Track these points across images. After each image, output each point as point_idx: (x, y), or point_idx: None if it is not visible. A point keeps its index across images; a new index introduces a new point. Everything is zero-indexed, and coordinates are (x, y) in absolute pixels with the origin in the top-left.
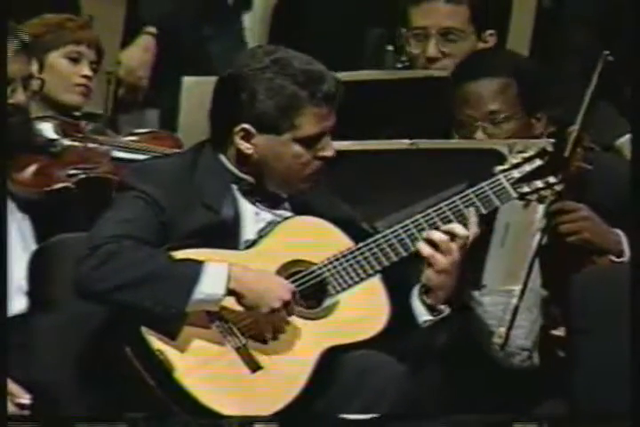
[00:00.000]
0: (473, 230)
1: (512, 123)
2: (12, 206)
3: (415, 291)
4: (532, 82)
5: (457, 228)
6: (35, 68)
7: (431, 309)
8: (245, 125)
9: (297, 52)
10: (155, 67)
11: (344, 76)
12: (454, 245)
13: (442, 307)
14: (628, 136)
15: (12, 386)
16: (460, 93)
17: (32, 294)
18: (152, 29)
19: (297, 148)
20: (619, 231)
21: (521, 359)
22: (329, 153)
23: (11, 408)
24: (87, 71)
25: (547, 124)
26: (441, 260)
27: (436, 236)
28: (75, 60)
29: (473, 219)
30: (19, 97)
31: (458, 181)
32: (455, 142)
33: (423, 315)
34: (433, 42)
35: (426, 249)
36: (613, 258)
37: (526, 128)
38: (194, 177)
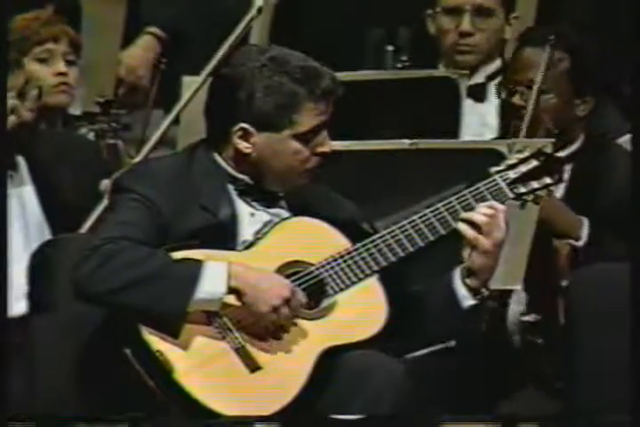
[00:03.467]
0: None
1: (553, 97)
2: (24, 208)
3: (456, 275)
4: (587, 63)
5: (494, 205)
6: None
7: (475, 292)
8: (244, 125)
9: (291, 50)
10: (155, 66)
11: (344, 76)
12: (495, 226)
13: (483, 290)
14: (627, 136)
15: None
16: (514, 57)
17: (32, 294)
18: (153, 29)
19: (296, 144)
20: (582, 218)
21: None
22: (327, 149)
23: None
24: (61, 68)
25: (591, 110)
26: (485, 241)
27: (477, 217)
28: (44, 60)
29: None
30: (23, 114)
31: (458, 181)
32: (455, 142)
33: (467, 299)
34: (467, 17)
35: (469, 232)
36: (572, 242)
37: (568, 107)
38: (189, 178)
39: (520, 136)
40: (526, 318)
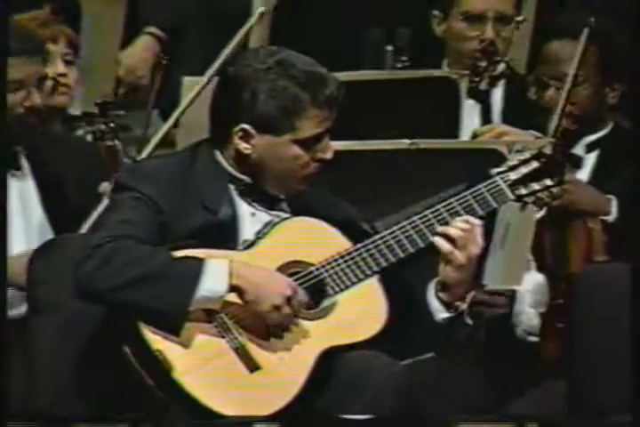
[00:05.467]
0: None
1: (586, 88)
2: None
3: (431, 288)
4: (614, 52)
5: (470, 220)
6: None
7: (448, 306)
8: (245, 126)
9: (299, 54)
10: (155, 66)
11: (344, 76)
12: (470, 240)
13: (458, 303)
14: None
15: None
16: (542, 51)
17: (32, 293)
18: (152, 29)
19: (296, 149)
20: (609, 195)
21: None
22: (328, 155)
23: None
24: (60, 68)
25: (621, 97)
26: (459, 255)
27: (453, 231)
28: (43, 60)
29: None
30: (34, 100)
31: (458, 181)
32: (455, 142)
33: (440, 312)
34: (490, 24)
35: (445, 245)
36: (603, 217)
37: (599, 96)
38: (191, 177)
39: (552, 128)
40: (557, 302)
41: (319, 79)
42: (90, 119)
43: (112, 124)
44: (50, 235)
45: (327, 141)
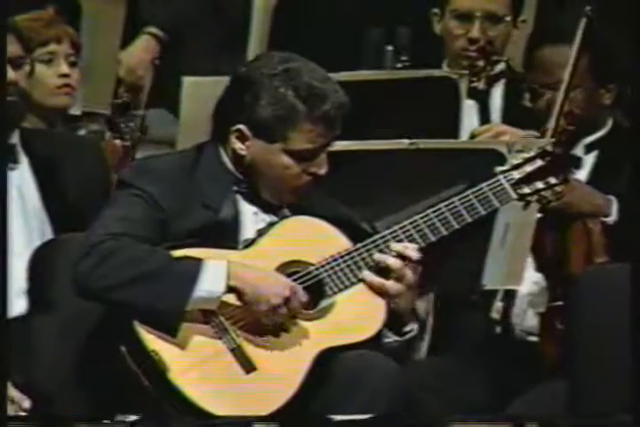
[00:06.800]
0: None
1: (580, 92)
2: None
3: None
4: (605, 51)
5: (408, 250)
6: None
7: (394, 331)
8: (241, 126)
9: (315, 66)
10: (155, 66)
11: (344, 76)
12: (407, 270)
13: (407, 329)
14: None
15: (12, 391)
16: (533, 58)
17: (31, 293)
18: (152, 29)
19: (286, 159)
20: (609, 196)
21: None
22: (321, 171)
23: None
24: (65, 69)
25: (616, 97)
26: (393, 287)
27: (391, 261)
28: (48, 61)
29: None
30: (9, 75)
31: (457, 181)
32: (455, 142)
33: (386, 337)
34: (478, 24)
35: (375, 280)
36: (602, 219)
37: (594, 98)
38: (194, 177)
39: (547, 137)
40: (557, 304)
41: (320, 95)
42: (92, 118)
43: (131, 124)
44: (48, 228)
45: (323, 158)
